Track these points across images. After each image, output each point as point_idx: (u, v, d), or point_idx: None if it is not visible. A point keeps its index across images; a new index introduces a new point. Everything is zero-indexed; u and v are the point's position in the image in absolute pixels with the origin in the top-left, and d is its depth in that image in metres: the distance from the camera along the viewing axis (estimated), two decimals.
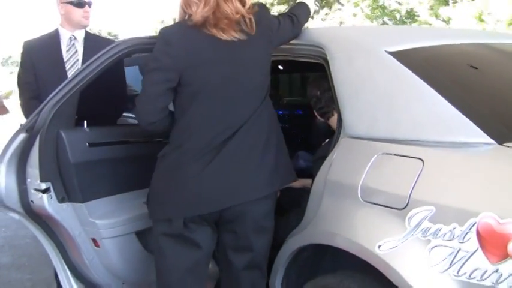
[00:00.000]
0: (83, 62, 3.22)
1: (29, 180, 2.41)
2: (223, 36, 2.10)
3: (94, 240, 2.48)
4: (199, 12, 2.08)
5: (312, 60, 2.39)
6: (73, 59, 3.25)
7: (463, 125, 1.84)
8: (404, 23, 17.38)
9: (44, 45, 3.28)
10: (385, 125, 2.02)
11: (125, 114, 3.45)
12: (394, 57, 2.12)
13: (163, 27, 2.22)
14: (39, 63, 3.22)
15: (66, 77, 3.15)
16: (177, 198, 2.15)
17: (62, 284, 2.61)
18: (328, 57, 2.27)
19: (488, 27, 13.66)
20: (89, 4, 3.30)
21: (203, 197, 2.12)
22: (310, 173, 2.38)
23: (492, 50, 2.54)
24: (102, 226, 2.46)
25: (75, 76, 2.40)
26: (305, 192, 2.51)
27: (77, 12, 3.25)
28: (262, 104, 2.22)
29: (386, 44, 2.21)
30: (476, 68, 2.27)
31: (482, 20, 14.19)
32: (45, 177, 2.35)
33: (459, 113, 1.86)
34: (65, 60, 3.24)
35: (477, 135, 1.80)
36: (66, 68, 3.23)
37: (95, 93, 2.61)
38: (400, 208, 1.76)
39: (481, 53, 2.47)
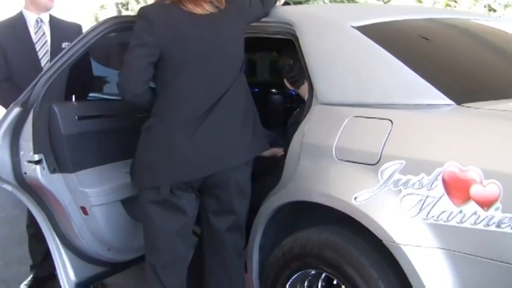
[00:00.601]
0: (52, 43, 3.35)
1: (22, 152, 2.52)
2: (197, 10, 2.27)
3: (83, 209, 2.62)
4: None
5: (281, 37, 2.59)
6: (42, 40, 3.35)
7: (426, 89, 2.07)
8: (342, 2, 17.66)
9: (11, 29, 3.35)
10: (355, 91, 2.24)
11: None
12: (359, 31, 2.35)
13: (143, 7, 2.35)
14: (9, 46, 3.29)
15: (37, 58, 3.31)
16: (165, 167, 2.29)
17: (51, 251, 2.73)
18: (297, 33, 2.46)
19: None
20: None
21: (190, 165, 2.29)
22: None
23: (444, 24, 2.80)
24: (91, 194, 2.60)
25: (65, 53, 2.51)
26: (275, 159, 2.73)
27: None
28: (239, 76, 2.40)
29: (352, 20, 2.42)
30: (427, 39, 2.52)
31: (420, 1, 14.65)
32: (38, 149, 2.46)
33: (422, 79, 2.09)
34: (34, 42, 3.33)
35: (439, 97, 2.04)
36: (37, 49, 3.32)
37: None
38: (373, 163, 1.98)
39: (434, 27, 2.72)
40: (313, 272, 2.28)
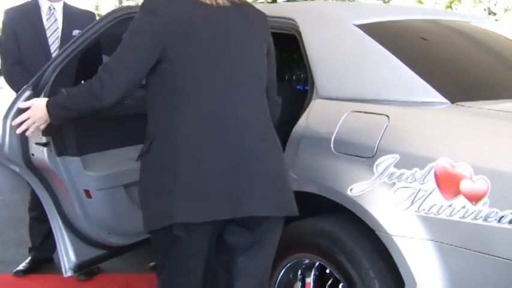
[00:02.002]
0: (63, 30, 3.45)
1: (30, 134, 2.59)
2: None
3: (87, 192, 2.70)
4: None
5: (285, 32, 2.66)
6: (53, 27, 3.45)
7: (422, 87, 2.16)
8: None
9: (25, 14, 3.45)
10: (353, 87, 2.32)
11: None
12: (360, 29, 2.43)
13: None
14: (21, 31, 3.40)
15: (47, 44, 3.42)
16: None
17: (54, 232, 2.81)
18: (300, 29, 2.54)
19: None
20: None
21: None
22: None
23: (443, 26, 2.88)
24: (95, 178, 2.69)
25: (76, 39, 2.58)
26: None
27: None
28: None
29: (353, 18, 2.51)
30: (425, 40, 2.60)
31: (421, 2, 14.74)
32: (47, 132, 2.52)
33: (419, 77, 2.17)
34: (46, 28, 3.43)
35: (434, 96, 2.12)
36: (47, 36, 3.43)
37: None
38: (369, 157, 2.06)
39: (433, 28, 2.81)
40: (307, 261, 2.36)
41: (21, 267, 3.65)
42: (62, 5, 3.52)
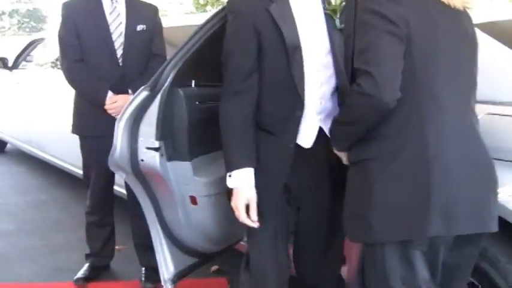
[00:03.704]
0: (126, 25, 3.23)
1: (141, 139, 2.46)
2: None
3: (193, 198, 2.57)
4: None
5: None
6: (116, 22, 3.23)
7: None
8: None
9: (86, 8, 3.24)
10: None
11: None
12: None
13: None
14: (83, 26, 3.19)
15: (111, 40, 3.21)
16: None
17: (153, 241, 2.67)
18: None
19: None
20: None
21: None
22: None
23: None
24: (203, 184, 2.56)
25: (192, 37, 2.44)
26: None
27: None
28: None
29: None
30: None
31: None
32: (161, 135, 2.41)
33: None
34: (109, 23, 3.22)
35: None
36: (111, 31, 3.21)
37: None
38: None
39: None
40: None
41: (80, 274, 3.50)
42: None
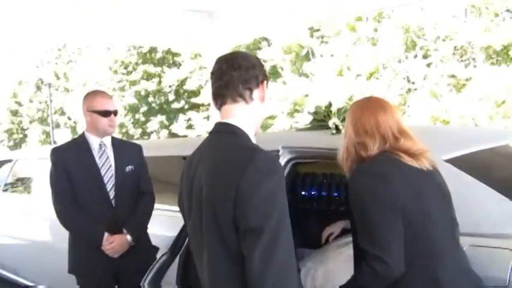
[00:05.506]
0: (116, 167, 3.41)
1: None
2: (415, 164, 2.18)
3: None
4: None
5: None
6: (106, 165, 3.40)
7: None
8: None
9: (75, 153, 3.40)
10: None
11: None
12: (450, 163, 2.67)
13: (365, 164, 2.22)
14: (74, 171, 3.33)
15: (103, 182, 3.36)
16: None
17: None
18: None
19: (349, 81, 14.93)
20: (115, 113, 3.42)
21: None
22: None
23: None
24: None
25: None
26: None
27: (102, 121, 3.36)
28: None
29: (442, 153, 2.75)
30: None
31: (342, 75, 15.49)
32: None
33: None
34: (99, 167, 3.38)
35: None
36: (102, 174, 3.37)
37: None
38: None
39: None
40: None
41: None
42: (111, 139, 3.48)
